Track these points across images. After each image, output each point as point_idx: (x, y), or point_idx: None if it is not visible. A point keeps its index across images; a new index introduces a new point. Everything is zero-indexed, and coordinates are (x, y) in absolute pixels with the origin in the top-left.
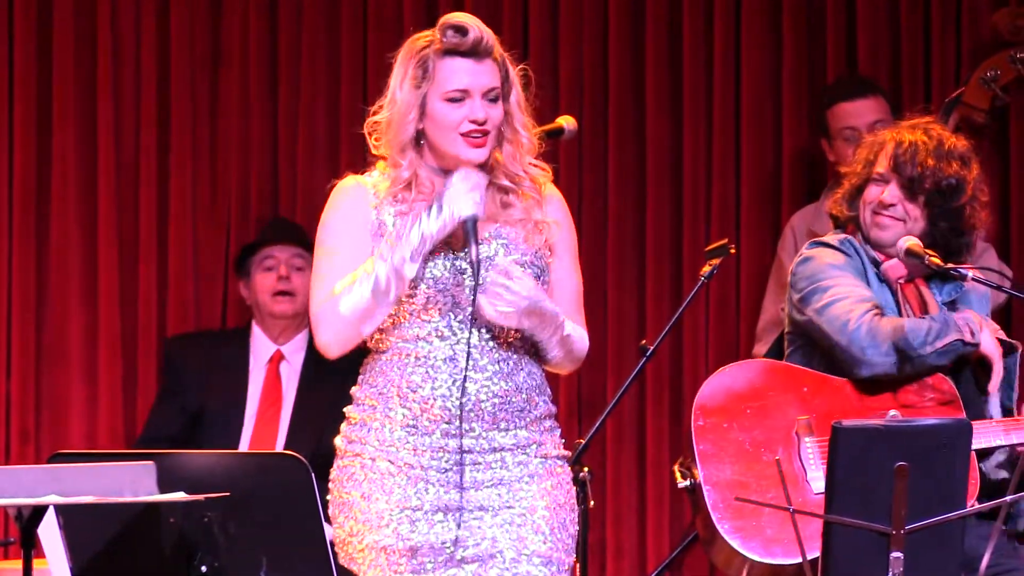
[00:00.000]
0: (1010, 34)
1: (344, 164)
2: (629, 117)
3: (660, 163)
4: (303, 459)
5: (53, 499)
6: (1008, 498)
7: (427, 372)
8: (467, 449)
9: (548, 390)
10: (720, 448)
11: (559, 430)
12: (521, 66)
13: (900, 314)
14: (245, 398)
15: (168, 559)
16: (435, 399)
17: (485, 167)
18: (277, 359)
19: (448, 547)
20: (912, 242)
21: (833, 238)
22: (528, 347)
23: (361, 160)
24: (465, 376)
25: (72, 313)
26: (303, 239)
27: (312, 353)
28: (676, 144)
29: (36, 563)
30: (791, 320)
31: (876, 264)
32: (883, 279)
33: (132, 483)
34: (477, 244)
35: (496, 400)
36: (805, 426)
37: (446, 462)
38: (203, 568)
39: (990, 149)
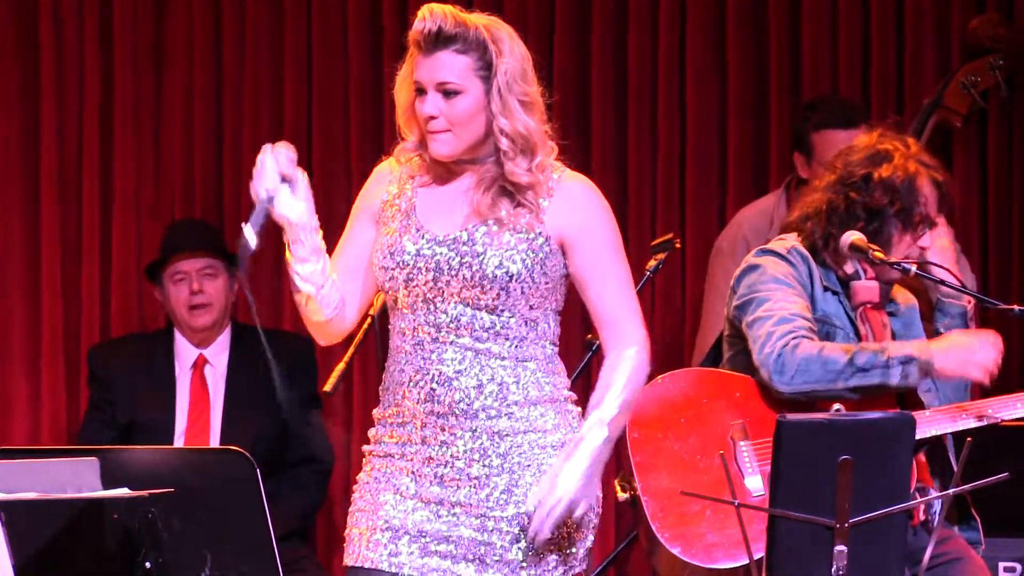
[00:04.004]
0: (989, 41)
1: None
2: (573, 111)
3: (605, 157)
4: (247, 454)
5: None
6: (951, 491)
7: (404, 368)
8: (440, 443)
9: (540, 381)
10: (656, 458)
11: (546, 419)
12: (506, 68)
13: (856, 329)
14: (174, 407)
15: (112, 556)
16: (409, 394)
17: (470, 165)
18: (201, 364)
19: (424, 537)
20: (856, 237)
21: (781, 246)
22: (507, 340)
23: (305, 156)
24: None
25: (15, 308)
26: (212, 243)
27: (235, 353)
28: (621, 138)
29: None
30: (732, 324)
31: (842, 283)
32: (835, 291)
33: (75, 479)
34: (258, 231)
35: (458, 394)
36: (740, 430)
37: (425, 455)
38: (147, 564)
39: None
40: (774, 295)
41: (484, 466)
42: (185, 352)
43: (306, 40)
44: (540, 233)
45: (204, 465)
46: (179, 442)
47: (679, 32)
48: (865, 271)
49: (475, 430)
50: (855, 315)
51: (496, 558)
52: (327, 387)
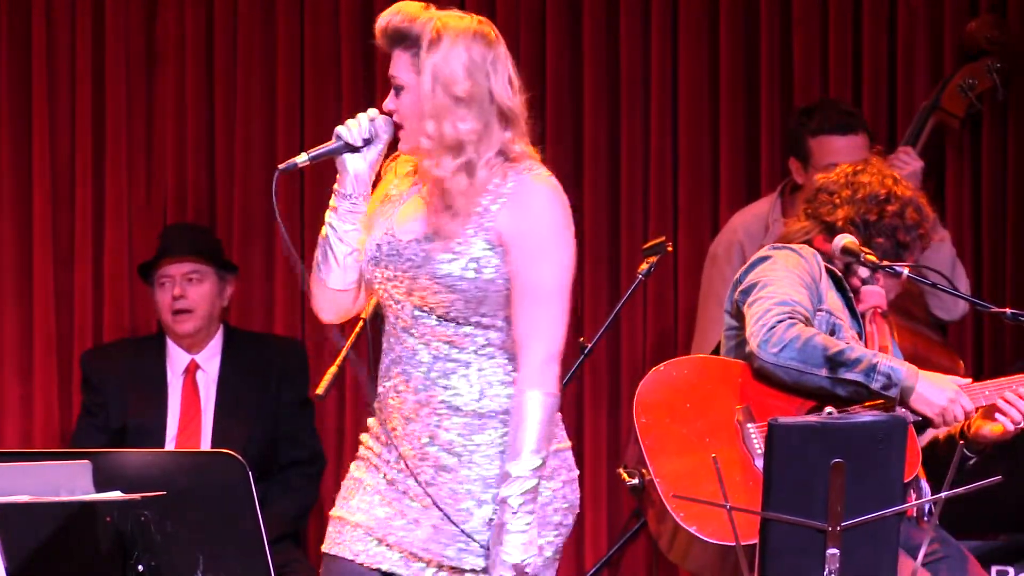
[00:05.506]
0: (987, 43)
1: (280, 162)
2: (566, 115)
3: (597, 161)
4: (240, 457)
5: None
6: (943, 494)
7: (384, 360)
8: (408, 447)
9: (500, 394)
10: (665, 442)
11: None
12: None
13: (860, 327)
14: (166, 412)
15: (105, 558)
16: (385, 391)
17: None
18: (193, 369)
19: (386, 534)
20: (848, 240)
21: (794, 244)
22: (464, 351)
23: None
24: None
25: (7, 312)
26: (199, 248)
27: (227, 359)
28: (613, 142)
29: None
30: (733, 314)
31: (854, 290)
32: (843, 289)
33: (68, 482)
34: (310, 159)
35: (421, 396)
36: (745, 413)
37: (393, 455)
38: (140, 567)
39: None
40: (780, 282)
41: (440, 475)
42: (177, 357)
43: (298, 43)
44: (487, 242)
45: (196, 468)
46: (170, 446)
47: (671, 36)
48: (877, 280)
49: (434, 439)
50: (863, 317)
51: (451, 565)
52: (319, 390)
